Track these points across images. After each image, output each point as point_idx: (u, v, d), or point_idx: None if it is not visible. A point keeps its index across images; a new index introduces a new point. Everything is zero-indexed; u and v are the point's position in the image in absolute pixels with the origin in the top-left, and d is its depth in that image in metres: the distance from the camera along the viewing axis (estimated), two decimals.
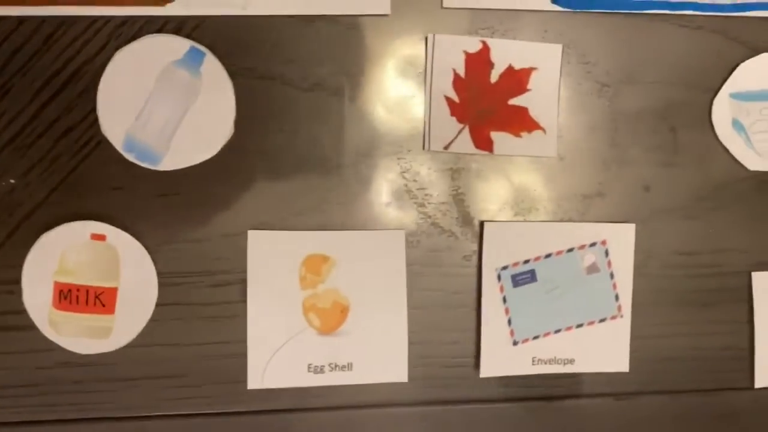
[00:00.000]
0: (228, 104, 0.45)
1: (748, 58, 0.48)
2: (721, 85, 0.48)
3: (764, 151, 0.49)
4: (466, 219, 0.48)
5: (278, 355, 0.47)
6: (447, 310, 0.48)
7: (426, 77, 0.46)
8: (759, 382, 0.51)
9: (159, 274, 0.46)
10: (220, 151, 0.45)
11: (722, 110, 0.49)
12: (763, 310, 0.51)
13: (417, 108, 0.47)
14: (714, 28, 0.48)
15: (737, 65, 0.48)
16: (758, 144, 0.49)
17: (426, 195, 0.47)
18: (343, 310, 0.47)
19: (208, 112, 0.45)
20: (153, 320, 0.46)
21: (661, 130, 0.49)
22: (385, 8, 0.45)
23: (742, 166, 0.49)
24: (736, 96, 0.49)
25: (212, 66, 0.45)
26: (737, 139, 0.49)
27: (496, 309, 0.48)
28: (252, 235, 0.46)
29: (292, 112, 0.46)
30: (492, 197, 0.48)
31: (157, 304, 0.46)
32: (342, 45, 0.46)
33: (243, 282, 0.46)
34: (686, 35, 0.48)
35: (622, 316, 0.49)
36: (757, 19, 0.48)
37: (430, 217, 0.48)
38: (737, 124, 0.49)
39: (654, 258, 0.50)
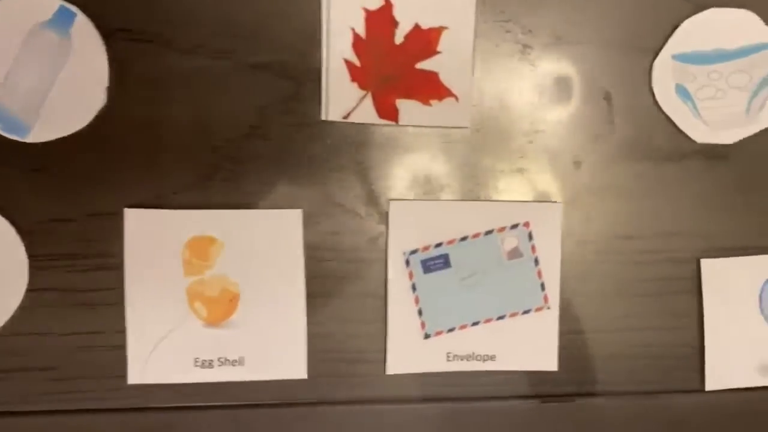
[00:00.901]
0: (101, 69, 0.41)
1: (692, 14, 0.43)
2: (663, 45, 0.43)
3: (713, 120, 0.43)
4: (370, 197, 0.43)
5: (161, 347, 0.43)
6: (351, 300, 0.43)
7: (323, 38, 0.41)
8: (710, 384, 0.45)
9: (30, 256, 0.41)
10: (93, 122, 0.41)
11: (664, 74, 0.43)
12: (714, 303, 0.44)
13: (314, 73, 0.42)
14: None
15: (680, 23, 0.43)
16: (706, 112, 0.43)
17: (326, 170, 0.42)
18: (233, 299, 0.43)
19: (79, 77, 0.41)
20: (22, 307, 0.42)
21: (593, 98, 0.43)
22: None
23: (687, 137, 0.44)
24: (679, 57, 0.43)
25: (83, 27, 0.40)
26: (682, 107, 0.43)
27: (404, 298, 0.43)
28: (129, 214, 0.42)
29: (171, 77, 0.41)
30: (400, 173, 0.43)
31: (28, 290, 0.42)
32: (225, 3, 0.41)
33: (121, 266, 0.42)
34: None
35: (549, 308, 0.44)
36: None
37: (330, 195, 0.43)
38: (682, 90, 0.43)
39: (587, 242, 0.44)
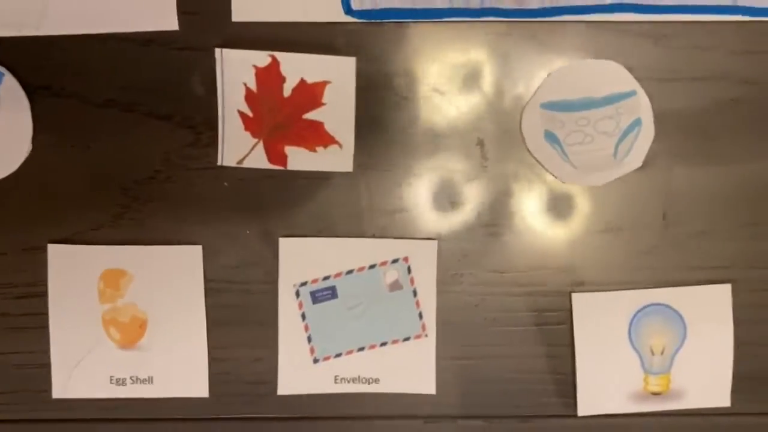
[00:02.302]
0: (26, 122, 0.46)
1: (560, 65, 0.46)
2: (532, 94, 0.46)
3: (581, 163, 0.46)
4: (264, 235, 0.47)
5: (81, 366, 0.48)
6: (249, 328, 0.48)
7: (218, 92, 0.46)
8: (582, 410, 0.48)
9: None
10: (21, 168, 0.47)
11: (533, 121, 0.46)
12: (584, 334, 0.47)
13: (212, 122, 0.46)
14: (523, 34, 0.46)
15: (549, 74, 0.46)
16: (574, 156, 0.46)
17: (224, 210, 0.47)
18: (142, 325, 0.48)
19: (6, 130, 0.46)
20: None
21: (467, 143, 0.47)
22: (172, 24, 0.46)
23: (556, 180, 0.47)
24: (547, 106, 0.46)
25: (11, 85, 0.46)
26: (551, 151, 0.46)
27: (294, 326, 0.47)
28: (52, 249, 0.47)
29: (87, 128, 0.47)
30: (290, 213, 0.47)
31: None
32: (134, 62, 0.46)
33: (47, 294, 0.48)
34: (494, 43, 0.46)
35: (426, 335, 0.48)
36: (568, 23, 0.45)
37: (228, 232, 0.47)
38: (550, 136, 0.46)
39: (464, 276, 0.47)
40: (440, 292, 0.47)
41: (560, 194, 0.47)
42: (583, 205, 0.47)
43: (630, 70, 0.45)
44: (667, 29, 0.45)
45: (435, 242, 0.47)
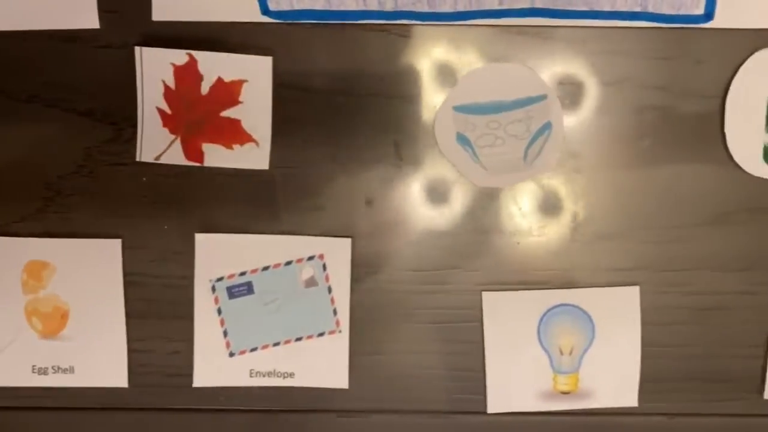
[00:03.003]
0: None
1: (473, 68, 0.46)
2: (445, 97, 0.47)
3: (492, 166, 0.47)
4: (181, 230, 0.48)
5: (3, 355, 0.49)
6: (167, 321, 0.49)
7: (138, 89, 0.47)
8: (492, 408, 0.49)
9: None
10: None
11: (446, 123, 0.47)
12: (494, 332, 0.48)
13: (132, 119, 0.47)
14: (437, 38, 0.46)
15: (461, 77, 0.46)
16: (485, 159, 0.47)
17: (143, 205, 0.48)
18: (64, 315, 0.49)
19: None
20: None
21: (383, 144, 0.47)
22: (93, 22, 0.47)
23: (468, 181, 0.47)
24: (459, 109, 0.47)
25: None
26: (463, 154, 0.47)
27: (210, 320, 0.48)
28: None
29: (10, 123, 0.48)
30: (207, 209, 0.48)
31: None
32: (56, 58, 0.47)
33: None
34: (406, 46, 0.46)
35: (340, 331, 0.49)
36: (481, 27, 0.46)
37: (147, 227, 0.48)
38: (462, 138, 0.47)
39: (379, 273, 0.48)
40: (355, 290, 0.48)
41: (473, 195, 0.48)
42: (494, 206, 0.48)
43: (541, 74, 0.46)
44: (579, 34, 0.46)
45: (349, 240, 0.48)
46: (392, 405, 0.50)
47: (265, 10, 0.46)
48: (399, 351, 0.49)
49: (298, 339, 0.49)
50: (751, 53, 0.46)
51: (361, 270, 0.48)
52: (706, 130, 0.47)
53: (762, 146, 0.46)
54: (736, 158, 0.47)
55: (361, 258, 0.48)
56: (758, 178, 0.47)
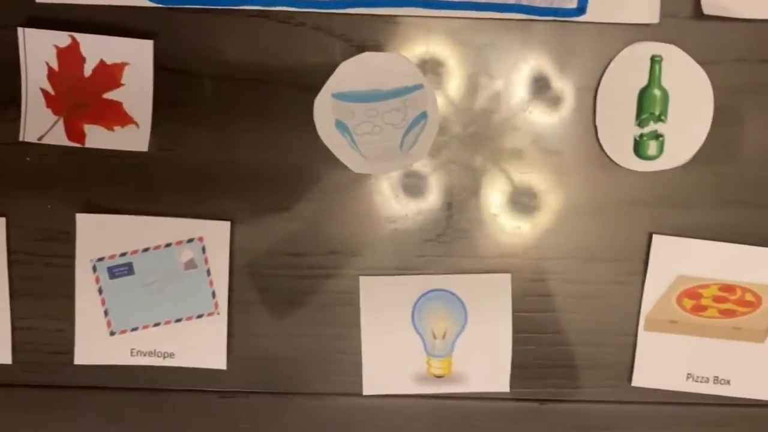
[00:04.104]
0: None
1: (351, 57, 0.47)
2: (323, 84, 0.47)
3: (370, 153, 0.48)
4: (65, 210, 0.49)
5: None
6: (50, 299, 0.50)
7: (21, 70, 0.48)
8: (367, 390, 0.50)
9: None
10: None
11: (325, 111, 0.48)
12: (369, 316, 0.49)
13: (16, 99, 0.48)
14: (316, 25, 0.47)
15: (340, 65, 0.47)
16: (363, 146, 0.48)
17: (27, 185, 0.49)
18: None
19: None
20: None
21: (264, 129, 0.48)
22: None
23: (347, 168, 0.48)
24: (338, 96, 0.47)
25: None
26: (342, 140, 0.48)
27: (91, 300, 0.49)
28: None
29: None
30: (89, 190, 0.49)
31: None
32: None
33: None
34: (286, 32, 0.47)
35: (218, 313, 0.49)
36: (360, 16, 0.47)
37: (31, 205, 0.49)
38: (341, 125, 0.48)
39: (259, 257, 0.49)
40: (235, 272, 0.49)
41: (352, 181, 0.49)
42: (373, 193, 0.49)
43: (418, 64, 0.47)
44: (456, 25, 0.47)
45: (228, 224, 0.49)
46: (270, 387, 0.51)
47: None
48: (277, 334, 0.50)
49: (178, 320, 0.50)
50: (623, 47, 0.47)
51: (240, 253, 0.49)
52: (580, 123, 0.48)
53: (632, 139, 0.48)
54: (608, 150, 0.48)
55: (242, 241, 0.49)
56: (629, 170, 0.48)
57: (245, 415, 0.51)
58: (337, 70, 0.47)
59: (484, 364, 0.50)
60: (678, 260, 0.48)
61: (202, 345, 0.50)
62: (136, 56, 0.47)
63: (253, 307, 0.50)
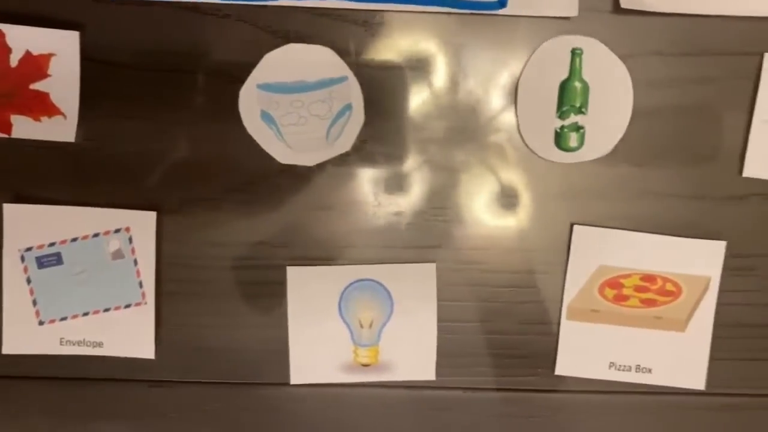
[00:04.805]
0: None
1: (276, 48, 0.48)
2: (249, 75, 0.48)
3: (295, 144, 0.48)
4: None
5: None
6: None
7: None
8: (294, 379, 0.50)
9: None
10: None
11: (250, 101, 0.48)
12: (297, 306, 0.50)
13: None
14: (242, 17, 0.47)
15: (265, 56, 0.48)
16: (289, 137, 0.48)
17: None
18: None
19: None
20: None
21: (190, 120, 0.48)
22: None
23: (273, 158, 0.49)
24: (264, 87, 0.48)
25: None
26: (267, 131, 0.48)
27: (20, 289, 0.49)
28: None
29: None
30: (16, 180, 0.49)
31: None
32: None
33: None
34: (213, 24, 0.47)
35: (146, 303, 0.50)
36: (285, 8, 0.47)
37: None
38: (266, 116, 0.48)
39: (187, 248, 0.50)
40: (163, 263, 0.50)
41: (278, 172, 0.49)
42: (300, 184, 0.49)
43: (342, 56, 0.48)
44: (379, 17, 0.47)
45: (154, 214, 0.49)
46: (199, 376, 0.51)
47: None
48: (206, 324, 0.50)
49: (107, 310, 0.50)
50: (543, 40, 0.48)
51: (168, 244, 0.49)
52: (501, 115, 0.48)
53: (553, 131, 0.48)
54: (529, 142, 0.48)
55: (169, 231, 0.49)
56: (550, 161, 0.49)
57: (174, 404, 0.51)
58: (261, 62, 0.48)
59: (410, 352, 0.50)
60: (599, 250, 0.49)
61: (130, 334, 0.50)
62: (62, 47, 0.47)
63: (181, 297, 0.50)
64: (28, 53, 0.48)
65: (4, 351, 0.50)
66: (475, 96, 0.48)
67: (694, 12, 0.47)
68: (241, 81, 0.48)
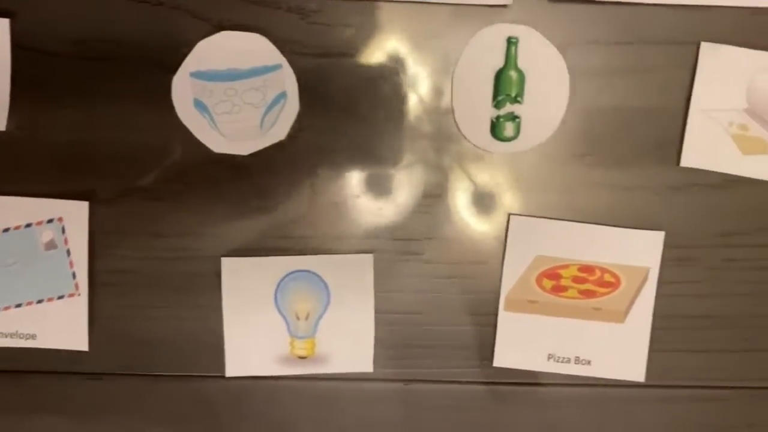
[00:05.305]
0: None
1: (209, 35, 0.47)
2: (181, 64, 0.47)
3: (229, 132, 0.48)
4: None
5: None
6: None
7: None
8: (230, 371, 0.50)
9: None
10: None
11: (183, 90, 0.47)
12: (232, 298, 0.49)
13: None
14: (175, 4, 0.47)
15: (198, 44, 0.47)
16: (223, 126, 0.48)
17: None
18: None
19: None
20: None
21: (123, 109, 0.48)
22: None
23: (207, 147, 0.48)
24: (196, 75, 0.47)
25: None
26: (201, 120, 0.48)
27: None
28: None
29: None
30: None
31: None
32: None
33: None
34: (145, 11, 0.47)
35: (79, 294, 0.49)
36: None
37: None
38: (200, 105, 0.48)
39: (121, 238, 0.49)
40: (96, 253, 0.49)
41: (212, 161, 0.48)
42: (235, 173, 0.48)
43: (277, 44, 0.47)
44: (314, 5, 0.47)
45: (86, 204, 0.48)
46: (134, 369, 0.50)
47: None
48: (140, 316, 0.50)
49: (39, 301, 0.49)
50: (479, 29, 0.47)
51: (102, 234, 0.49)
52: (437, 104, 0.48)
53: (490, 121, 0.48)
54: (465, 132, 0.48)
55: (102, 222, 0.49)
56: (487, 151, 0.48)
57: (110, 397, 0.51)
58: (194, 50, 0.47)
59: (348, 344, 0.50)
60: (536, 241, 0.49)
61: (63, 326, 0.49)
62: None
63: (115, 289, 0.50)
64: None
65: None
66: (411, 85, 0.48)
67: (631, 0, 0.47)
68: (175, 69, 0.47)
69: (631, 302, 0.49)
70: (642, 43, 0.47)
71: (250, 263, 0.49)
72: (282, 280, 0.49)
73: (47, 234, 0.49)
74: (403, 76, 0.48)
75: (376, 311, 0.50)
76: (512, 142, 0.48)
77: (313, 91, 0.48)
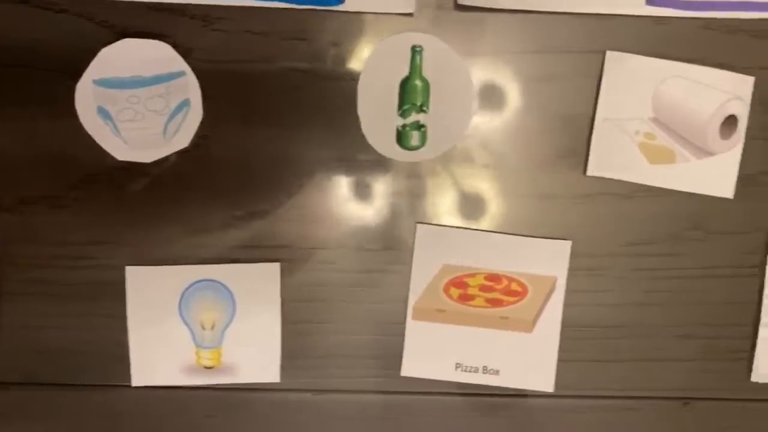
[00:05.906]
0: None
1: (112, 42, 0.47)
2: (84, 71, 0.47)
3: (132, 140, 0.47)
4: None
5: None
6: None
7: None
8: (136, 381, 0.49)
9: None
10: None
11: (86, 97, 0.47)
12: (136, 307, 0.49)
13: None
14: (79, 11, 0.46)
15: (101, 51, 0.47)
16: (126, 133, 0.47)
17: None
18: None
19: None
20: None
21: (26, 116, 0.47)
22: None
23: (110, 155, 0.48)
24: (100, 83, 0.47)
25: None
26: (104, 127, 0.47)
27: None
28: None
29: None
30: None
31: None
32: None
33: None
34: (48, 19, 0.46)
35: None
36: (123, 2, 0.46)
37: None
38: (103, 112, 0.47)
39: (26, 247, 0.48)
40: (2, 263, 0.48)
41: (116, 168, 0.48)
42: (138, 181, 0.48)
43: (181, 51, 0.47)
44: (219, 12, 0.47)
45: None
46: (40, 378, 0.50)
47: None
48: (45, 325, 0.49)
49: None
50: (384, 37, 0.47)
51: (6, 243, 0.48)
52: (344, 113, 0.48)
53: (395, 129, 0.48)
54: (371, 141, 0.48)
55: (6, 231, 0.48)
56: (393, 160, 0.48)
57: (17, 407, 0.50)
58: (97, 57, 0.47)
59: (254, 354, 0.50)
60: (442, 249, 0.49)
61: None
62: None
63: (20, 298, 0.49)
64: None
65: None
66: (318, 93, 0.47)
67: (534, 9, 0.46)
68: (78, 76, 0.47)
69: (539, 312, 0.49)
70: (549, 51, 0.47)
71: (155, 272, 0.49)
72: (186, 289, 0.49)
73: None
74: (310, 85, 0.47)
75: (286, 321, 0.49)
76: (418, 151, 0.48)
77: (217, 99, 0.47)
